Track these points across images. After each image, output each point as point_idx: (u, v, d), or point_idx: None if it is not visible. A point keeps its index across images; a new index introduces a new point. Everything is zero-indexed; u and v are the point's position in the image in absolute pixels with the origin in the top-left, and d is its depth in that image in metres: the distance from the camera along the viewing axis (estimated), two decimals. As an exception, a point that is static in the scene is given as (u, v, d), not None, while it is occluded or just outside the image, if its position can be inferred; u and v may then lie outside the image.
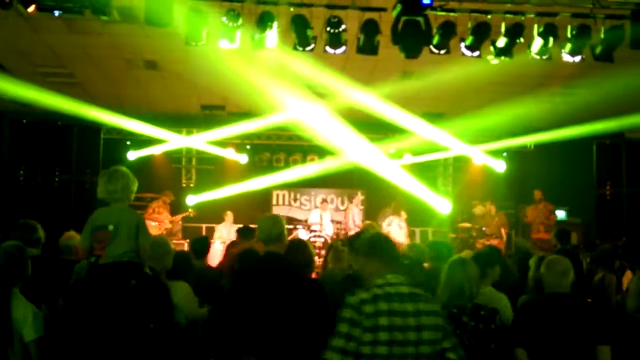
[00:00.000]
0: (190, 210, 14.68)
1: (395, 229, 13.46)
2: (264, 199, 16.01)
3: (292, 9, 7.58)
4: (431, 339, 3.31)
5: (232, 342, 4.72)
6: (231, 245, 7.82)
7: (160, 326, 4.68)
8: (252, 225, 7.88)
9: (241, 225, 8.52)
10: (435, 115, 13.95)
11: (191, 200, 15.32)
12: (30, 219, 5.84)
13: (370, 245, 3.60)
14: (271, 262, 4.55)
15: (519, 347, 4.31)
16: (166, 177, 15.77)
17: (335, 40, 7.85)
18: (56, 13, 7.34)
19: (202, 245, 7.40)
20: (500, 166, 15.87)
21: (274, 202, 16.43)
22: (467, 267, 4.39)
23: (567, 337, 4.24)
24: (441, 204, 15.53)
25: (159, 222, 13.95)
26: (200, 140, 15.38)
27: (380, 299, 3.31)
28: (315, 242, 13.43)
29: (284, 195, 16.51)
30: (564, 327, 4.27)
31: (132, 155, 15.31)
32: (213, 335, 5.02)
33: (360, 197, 14.90)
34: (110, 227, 4.80)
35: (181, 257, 6.30)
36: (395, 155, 15.77)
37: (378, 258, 3.50)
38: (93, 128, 14.70)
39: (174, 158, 16.22)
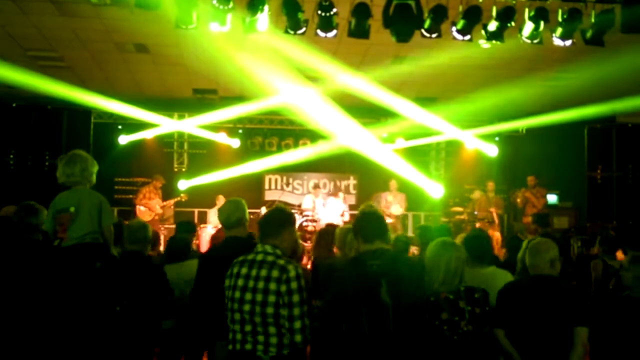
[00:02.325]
0: (182, 195, 14.63)
1: (327, 209, 13.90)
2: (256, 183, 16.01)
3: (283, -8, 7.55)
4: (261, 300, 3.77)
5: (204, 327, 4.76)
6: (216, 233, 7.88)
7: (130, 308, 4.69)
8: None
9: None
10: (427, 99, 13.95)
11: (183, 184, 15.29)
12: (32, 202, 5.65)
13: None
14: (232, 246, 4.59)
15: (498, 327, 4.34)
16: (158, 162, 15.71)
17: (326, 24, 7.82)
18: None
19: (188, 229, 7.40)
20: (492, 150, 15.90)
21: (267, 186, 16.42)
22: (460, 250, 4.34)
23: (546, 318, 4.27)
24: (433, 188, 15.57)
25: (149, 208, 13.92)
26: (192, 125, 15.31)
27: (236, 264, 3.97)
28: (307, 226, 13.47)
29: (276, 180, 16.49)
30: (543, 309, 4.30)
31: (124, 139, 15.25)
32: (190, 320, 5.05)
33: (395, 184, 14.77)
34: (72, 209, 4.82)
35: (178, 241, 6.36)
36: (387, 140, 15.76)
37: (258, 233, 4.08)
38: (83, 112, 14.62)
39: (165, 142, 16.15)
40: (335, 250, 6.22)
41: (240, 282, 3.87)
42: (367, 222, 4.26)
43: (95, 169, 5.15)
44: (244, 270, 3.90)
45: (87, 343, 4.56)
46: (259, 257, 3.92)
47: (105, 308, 4.62)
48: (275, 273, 3.80)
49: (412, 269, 4.21)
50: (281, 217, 4.11)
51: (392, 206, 14.14)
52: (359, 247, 4.28)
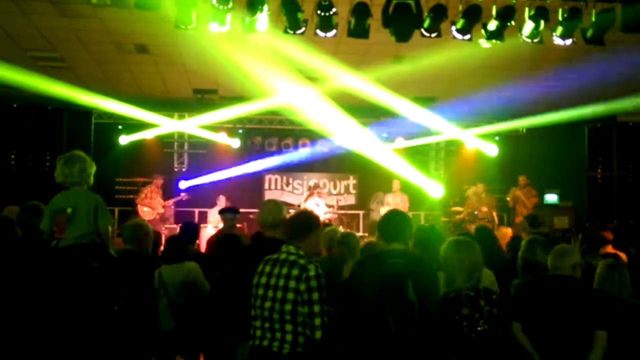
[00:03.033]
0: (183, 194, 14.63)
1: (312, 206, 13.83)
2: (256, 183, 16.00)
3: (282, -8, 7.54)
4: (281, 297, 3.95)
5: (229, 327, 4.76)
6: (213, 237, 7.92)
7: (127, 307, 4.69)
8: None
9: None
10: (427, 99, 13.95)
11: (183, 184, 15.29)
12: (35, 202, 5.61)
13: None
14: (275, 247, 4.60)
15: (515, 320, 4.35)
16: (158, 162, 15.69)
17: (326, 24, 7.82)
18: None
19: (192, 231, 7.43)
20: (492, 150, 15.89)
21: (267, 186, 16.40)
22: (477, 248, 4.27)
23: (565, 318, 4.28)
24: (433, 188, 15.56)
25: (151, 207, 13.92)
26: (192, 125, 15.30)
27: (263, 262, 4.15)
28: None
29: (276, 180, 16.49)
30: (563, 309, 4.31)
31: (124, 139, 15.24)
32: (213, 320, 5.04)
33: (397, 184, 14.63)
34: (69, 210, 4.83)
35: (177, 241, 6.38)
36: (387, 140, 15.76)
37: (283, 232, 4.35)
38: (84, 112, 14.64)
39: (166, 142, 16.14)
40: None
41: (263, 279, 4.06)
42: (387, 222, 4.36)
43: (93, 170, 5.17)
44: (267, 269, 4.09)
45: (84, 343, 4.56)
46: (283, 256, 4.09)
47: (102, 308, 4.62)
48: (295, 272, 3.96)
49: (431, 269, 4.28)
50: (308, 221, 4.29)
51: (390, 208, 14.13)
52: (377, 247, 4.42)
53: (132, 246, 5.20)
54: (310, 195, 14.23)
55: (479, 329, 3.98)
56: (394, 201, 14.18)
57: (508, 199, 14.23)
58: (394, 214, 4.54)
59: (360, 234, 13.78)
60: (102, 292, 4.66)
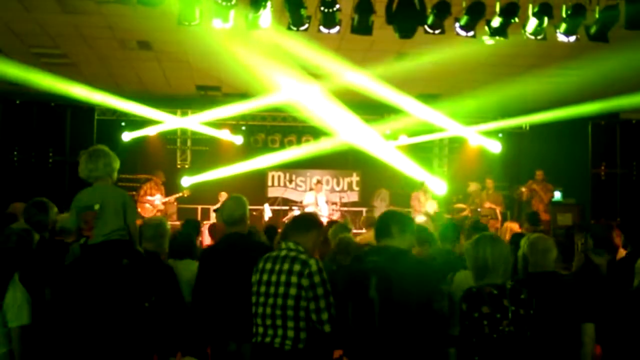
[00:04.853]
0: (184, 190, 14.63)
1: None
2: (259, 180, 15.99)
3: (285, -12, 7.53)
4: (283, 292, 3.97)
5: (212, 327, 4.76)
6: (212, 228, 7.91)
7: (157, 305, 4.68)
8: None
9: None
10: (430, 96, 13.93)
11: (186, 181, 15.30)
12: (43, 198, 5.61)
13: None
14: (234, 242, 4.63)
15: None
16: (161, 159, 15.72)
17: (329, 20, 7.80)
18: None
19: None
20: (495, 147, 15.87)
21: (269, 183, 16.40)
22: (502, 245, 4.04)
23: (552, 315, 4.23)
24: (436, 185, 15.55)
25: (150, 204, 13.93)
26: (195, 121, 15.33)
27: (262, 260, 4.17)
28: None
29: (279, 177, 16.48)
30: (549, 306, 4.24)
31: (127, 136, 15.26)
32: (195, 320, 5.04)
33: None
34: (96, 207, 4.75)
35: (185, 237, 6.37)
36: (390, 137, 15.75)
37: (284, 231, 4.43)
38: (87, 109, 14.64)
39: (168, 139, 16.18)
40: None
41: (265, 277, 4.07)
42: (378, 221, 4.32)
43: (117, 164, 5.07)
44: (268, 266, 4.10)
45: (117, 341, 4.52)
46: (283, 253, 4.11)
47: (134, 305, 4.58)
48: (297, 267, 3.98)
49: (414, 266, 4.10)
50: (311, 219, 4.38)
51: (427, 204, 14.11)
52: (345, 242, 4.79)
53: (152, 246, 5.13)
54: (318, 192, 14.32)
55: (503, 329, 3.74)
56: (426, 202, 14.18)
57: (523, 190, 14.12)
58: (383, 214, 4.49)
59: (363, 231, 13.77)
60: (134, 289, 4.62)
